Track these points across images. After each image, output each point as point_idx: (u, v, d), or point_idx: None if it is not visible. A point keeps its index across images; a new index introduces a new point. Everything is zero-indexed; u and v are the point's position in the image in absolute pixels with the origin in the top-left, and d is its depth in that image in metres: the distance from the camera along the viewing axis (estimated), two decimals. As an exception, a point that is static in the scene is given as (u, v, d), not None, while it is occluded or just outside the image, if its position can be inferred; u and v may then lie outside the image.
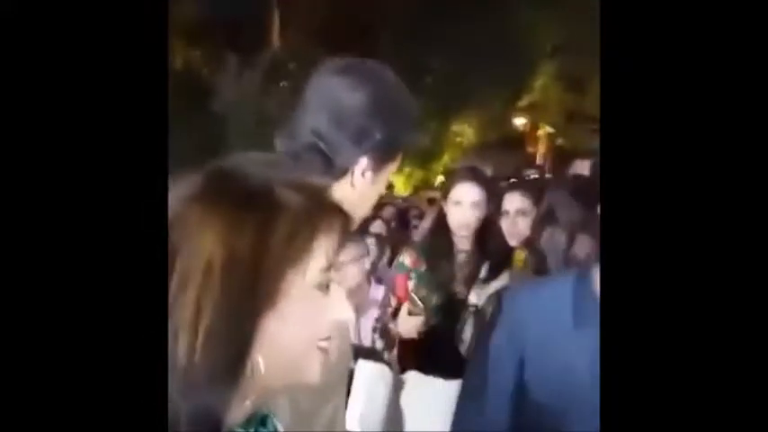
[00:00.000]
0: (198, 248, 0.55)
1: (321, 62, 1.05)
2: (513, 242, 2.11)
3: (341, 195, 0.87)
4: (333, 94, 1.00)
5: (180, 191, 0.59)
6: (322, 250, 0.60)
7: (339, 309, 0.63)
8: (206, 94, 9.89)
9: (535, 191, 2.07)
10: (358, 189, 1.00)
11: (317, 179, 0.65)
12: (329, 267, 0.61)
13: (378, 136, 0.99)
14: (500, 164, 13.50)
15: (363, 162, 1.00)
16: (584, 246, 1.62)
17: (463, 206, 2.18)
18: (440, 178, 13.12)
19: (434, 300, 2.19)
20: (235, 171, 0.61)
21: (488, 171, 3.21)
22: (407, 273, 2.27)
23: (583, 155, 2.73)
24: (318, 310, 0.61)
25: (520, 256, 2.07)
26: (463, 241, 2.24)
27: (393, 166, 1.06)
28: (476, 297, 2.13)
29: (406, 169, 12.40)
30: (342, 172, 0.99)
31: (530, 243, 1.82)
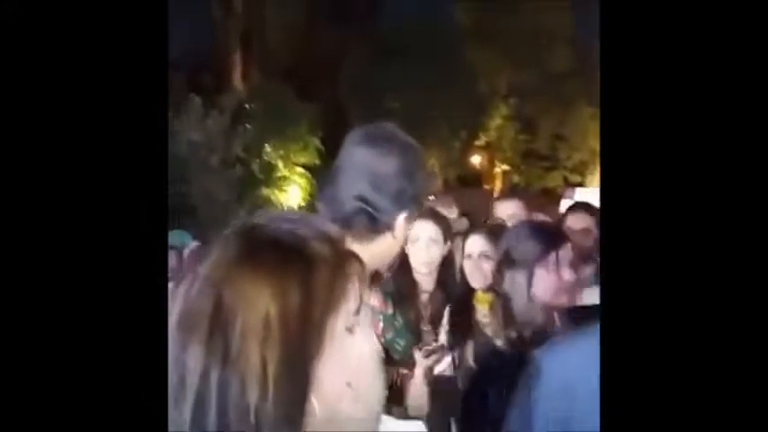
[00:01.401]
0: (254, 304, 0.61)
1: (350, 133, 1.21)
2: (475, 284, 2.14)
3: (380, 247, 1.15)
4: (367, 163, 1.15)
5: (221, 252, 0.64)
6: (352, 295, 0.65)
7: (368, 345, 0.68)
8: (169, 135, 9.85)
9: (498, 234, 2.08)
10: (396, 239, 1.17)
11: (334, 230, 0.70)
12: (358, 310, 0.66)
13: (411, 192, 1.16)
14: (460, 201, 13.74)
15: (404, 217, 1.16)
16: (544, 283, 1.67)
17: (421, 242, 2.22)
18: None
19: (404, 342, 2.26)
20: (269, 230, 0.65)
21: (453, 211, 3.26)
22: (376, 316, 2.22)
23: (527, 192, 2.91)
24: (349, 350, 0.66)
25: (484, 298, 2.09)
26: (426, 281, 2.28)
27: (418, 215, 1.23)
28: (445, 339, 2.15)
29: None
30: (386, 228, 1.15)
31: (493, 287, 1.84)
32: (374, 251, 1.16)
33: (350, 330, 0.66)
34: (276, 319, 0.60)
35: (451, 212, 3.21)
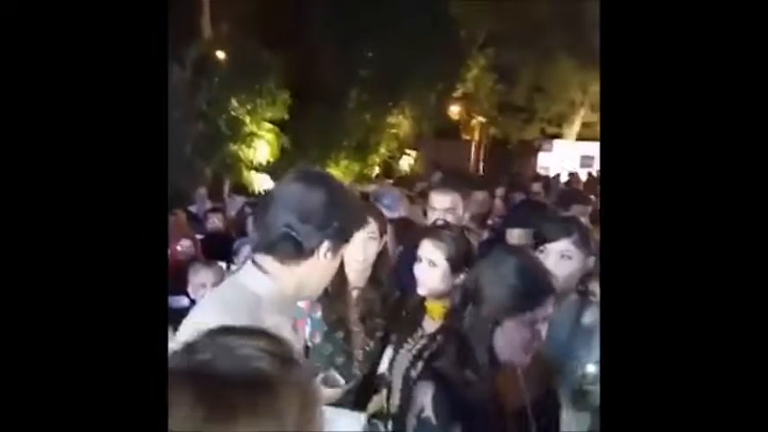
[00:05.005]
0: None
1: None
2: (421, 291, 2.02)
3: (306, 272, 1.33)
4: (295, 197, 1.30)
5: (176, 403, 0.63)
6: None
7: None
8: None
9: (449, 240, 1.99)
10: (321, 266, 1.33)
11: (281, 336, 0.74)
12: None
13: (335, 224, 1.30)
14: (437, 154, 13.62)
15: (326, 244, 1.31)
16: (510, 337, 1.42)
17: (358, 240, 1.97)
18: (376, 170, 13.06)
19: (331, 347, 2.08)
20: (217, 366, 0.67)
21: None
22: (303, 318, 2.10)
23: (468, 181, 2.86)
24: None
25: (434, 309, 1.99)
26: (357, 277, 2.14)
27: (347, 247, 1.40)
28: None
29: (343, 162, 12.28)
30: (310, 253, 1.31)
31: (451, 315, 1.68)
32: (300, 273, 1.32)
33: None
34: None
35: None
